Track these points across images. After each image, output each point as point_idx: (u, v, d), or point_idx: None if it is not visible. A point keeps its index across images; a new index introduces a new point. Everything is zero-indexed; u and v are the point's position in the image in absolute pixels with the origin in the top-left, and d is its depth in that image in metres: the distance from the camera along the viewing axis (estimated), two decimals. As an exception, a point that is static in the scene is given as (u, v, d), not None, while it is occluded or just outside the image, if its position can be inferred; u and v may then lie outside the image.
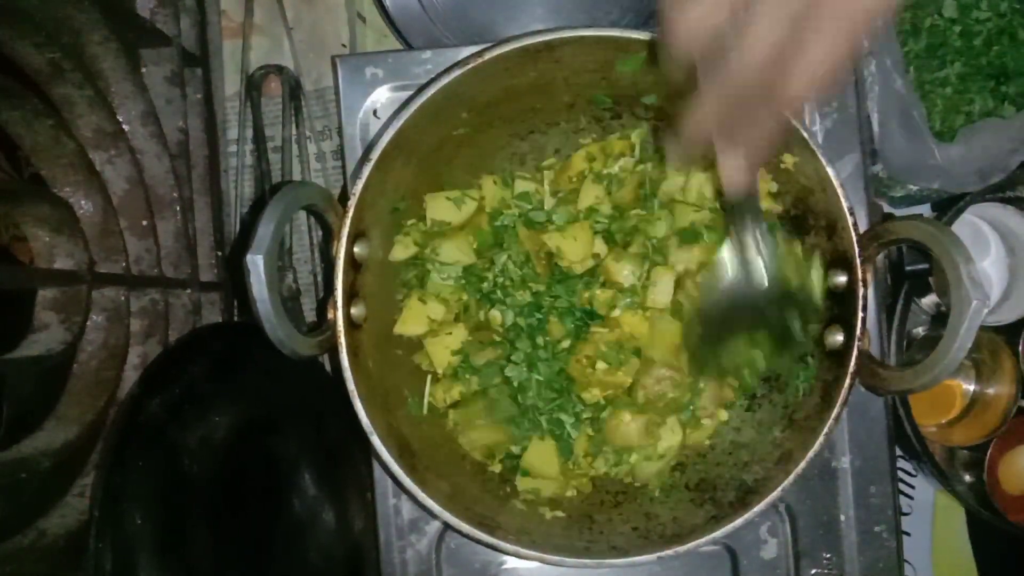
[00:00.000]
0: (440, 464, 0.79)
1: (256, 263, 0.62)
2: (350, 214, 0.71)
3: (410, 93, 0.80)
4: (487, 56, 0.70)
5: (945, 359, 0.63)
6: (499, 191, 0.82)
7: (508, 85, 0.75)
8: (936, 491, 1.10)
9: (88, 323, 0.80)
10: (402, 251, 0.79)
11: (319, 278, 1.09)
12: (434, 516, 0.72)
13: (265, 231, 0.63)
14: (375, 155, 0.71)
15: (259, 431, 0.87)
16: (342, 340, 0.70)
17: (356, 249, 0.73)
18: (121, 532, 0.71)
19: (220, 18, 1.08)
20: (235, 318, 1.05)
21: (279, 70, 1.08)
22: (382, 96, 0.84)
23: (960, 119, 0.97)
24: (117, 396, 0.83)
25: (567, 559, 0.72)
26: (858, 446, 0.83)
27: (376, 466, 0.84)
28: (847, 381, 0.70)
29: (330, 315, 0.71)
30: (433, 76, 0.73)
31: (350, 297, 0.72)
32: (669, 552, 0.71)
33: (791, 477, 0.70)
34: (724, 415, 0.81)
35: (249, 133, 1.08)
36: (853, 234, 0.70)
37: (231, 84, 1.09)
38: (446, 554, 0.85)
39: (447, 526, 0.73)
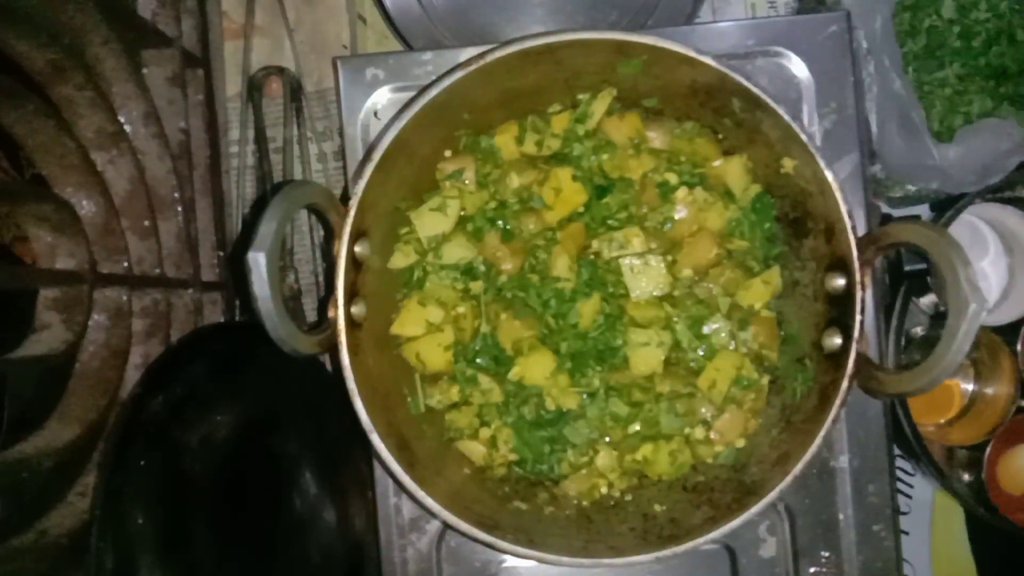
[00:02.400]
0: (440, 463, 0.79)
1: (258, 261, 0.62)
2: (352, 213, 0.71)
3: (411, 94, 0.81)
4: (488, 59, 0.70)
5: (942, 362, 0.63)
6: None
7: (509, 87, 0.75)
8: (935, 490, 1.11)
9: (90, 323, 0.81)
10: (402, 259, 0.80)
11: (320, 278, 1.09)
12: (433, 515, 0.72)
13: (267, 229, 0.63)
14: (377, 156, 0.71)
15: (260, 430, 0.88)
16: (343, 339, 0.71)
17: (357, 249, 0.73)
18: (122, 531, 0.72)
19: (221, 19, 1.09)
20: (236, 318, 1.06)
21: (280, 71, 1.08)
22: (383, 97, 0.84)
23: (959, 119, 0.98)
24: (119, 396, 0.84)
25: (565, 558, 0.72)
26: (856, 445, 0.83)
27: (376, 465, 0.84)
28: (844, 384, 0.70)
29: (331, 314, 0.71)
30: (434, 78, 0.73)
31: (351, 296, 0.73)
32: (667, 552, 0.71)
33: (788, 478, 0.71)
34: (741, 442, 0.81)
35: (250, 134, 1.09)
36: (852, 238, 0.70)
37: (232, 85, 1.09)
38: (446, 553, 0.86)
39: (447, 525, 0.73)
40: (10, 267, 0.78)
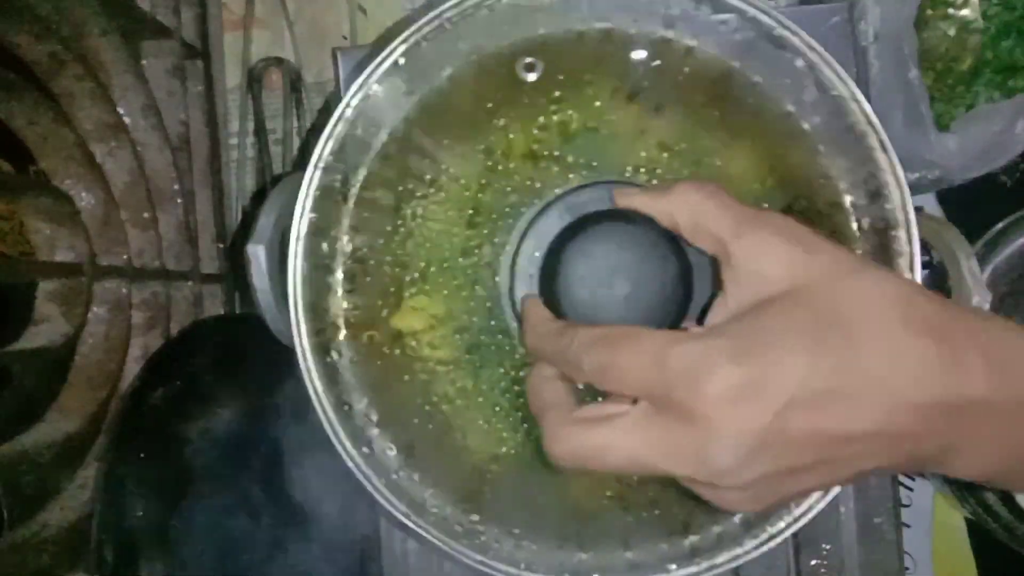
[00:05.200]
0: (439, 462, 0.79)
1: (257, 253, 0.62)
2: (351, 204, 0.70)
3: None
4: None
5: (945, 355, 0.63)
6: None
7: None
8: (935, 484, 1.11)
9: (89, 315, 0.81)
10: None
11: (320, 271, 1.09)
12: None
13: (267, 221, 0.62)
14: (376, 146, 0.70)
15: (261, 422, 0.88)
16: (343, 333, 0.70)
17: (358, 240, 0.73)
18: (123, 524, 0.72)
19: (221, 10, 1.08)
20: (236, 310, 1.05)
21: (280, 62, 1.08)
22: (383, 89, 0.83)
23: (961, 112, 0.97)
24: (119, 388, 0.84)
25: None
26: (858, 439, 0.83)
27: (377, 458, 0.84)
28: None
29: (331, 308, 0.71)
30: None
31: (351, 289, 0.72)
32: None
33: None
34: None
35: (250, 126, 1.08)
36: (856, 231, 0.70)
37: (232, 76, 1.09)
38: (447, 545, 0.86)
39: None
40: (9, 259, 0.77)
